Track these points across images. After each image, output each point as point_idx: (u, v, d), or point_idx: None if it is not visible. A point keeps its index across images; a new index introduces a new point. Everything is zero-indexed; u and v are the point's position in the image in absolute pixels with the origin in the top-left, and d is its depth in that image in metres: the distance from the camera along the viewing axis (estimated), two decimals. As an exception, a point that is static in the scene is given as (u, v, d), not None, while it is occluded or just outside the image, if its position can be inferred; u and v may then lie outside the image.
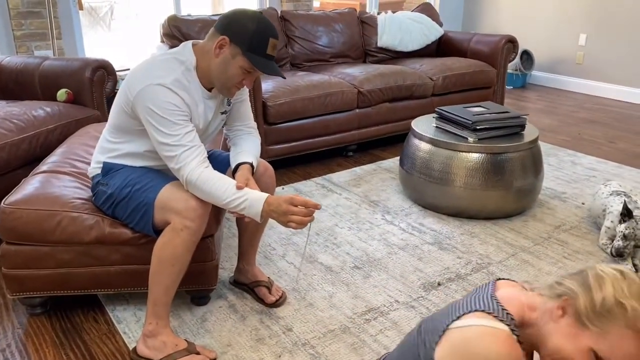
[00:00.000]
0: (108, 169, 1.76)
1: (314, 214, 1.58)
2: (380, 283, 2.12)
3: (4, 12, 3.71)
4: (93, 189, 1.82)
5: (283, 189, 3.04)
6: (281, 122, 3.17)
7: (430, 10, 4.54)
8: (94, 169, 1.81)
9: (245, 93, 1.88)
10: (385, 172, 3.28)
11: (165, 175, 1.72)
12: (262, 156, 3.12)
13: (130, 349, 1.74)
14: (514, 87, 5.70)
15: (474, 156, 2.57)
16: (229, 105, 1.83)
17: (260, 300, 1.99)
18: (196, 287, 1.91)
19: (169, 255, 1.62)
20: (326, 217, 2.68)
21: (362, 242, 2.44)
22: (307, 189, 3.03)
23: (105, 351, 1.75)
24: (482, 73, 4.00)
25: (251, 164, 1.76)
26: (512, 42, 4.11)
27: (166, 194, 1.64)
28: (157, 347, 1.66)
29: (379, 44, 4.20)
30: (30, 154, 2.43)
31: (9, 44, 3.79)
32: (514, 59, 4.21)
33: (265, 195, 1.60)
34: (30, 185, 1.85)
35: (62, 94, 2.77)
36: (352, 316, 1.92)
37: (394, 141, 3.88)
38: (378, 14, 4.37)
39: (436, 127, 2.82)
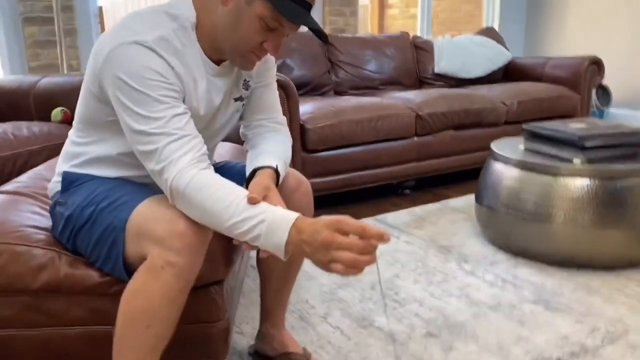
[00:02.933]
0: (69, 182, 1.20)
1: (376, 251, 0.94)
2: (470, 357, 1.43)
3: (18, 40, 3.36)
4: (50, 212, 1.25)
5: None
6: (323, 150, 2.57)
7: (495, 34, 3.98)
8: (54, 183, 1.26)
9: (269, 75, 1.29)
10: (455, 213, 2.61)
11: (148, 189, 1.14)
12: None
13: None
14: (589, 126, 5.00)
15: (582, 183, 1.90)
16: (247, 89, 1.26)
17: (291, 382, 1.34)
18: (196, 361, 1.28)
19: (141, 308, 1.01)
20: (383, 266, 2.02)
21: (435, 300, 1.76)
22: (356, 231, 2.40)
23: None
24: (564, 99, 3.35)
25: (275, 169, 1.15)
26: (597, 63, 3.48)
27: (142, 212, 1.04)
28: None
29: (437, 70, 3.64)
30: (3, 179, 1.92)
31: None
32: (599, 83, 3.56)
33: (294, 215, 0.98)
34: (-31, 209, 1.31)
35: (57, 113, 2.28)
36: (431, 412, 1.24)
37: (459, 178, 3.22)
38: (435, 38, 3.84)
39: (525, 149, 2.17)
